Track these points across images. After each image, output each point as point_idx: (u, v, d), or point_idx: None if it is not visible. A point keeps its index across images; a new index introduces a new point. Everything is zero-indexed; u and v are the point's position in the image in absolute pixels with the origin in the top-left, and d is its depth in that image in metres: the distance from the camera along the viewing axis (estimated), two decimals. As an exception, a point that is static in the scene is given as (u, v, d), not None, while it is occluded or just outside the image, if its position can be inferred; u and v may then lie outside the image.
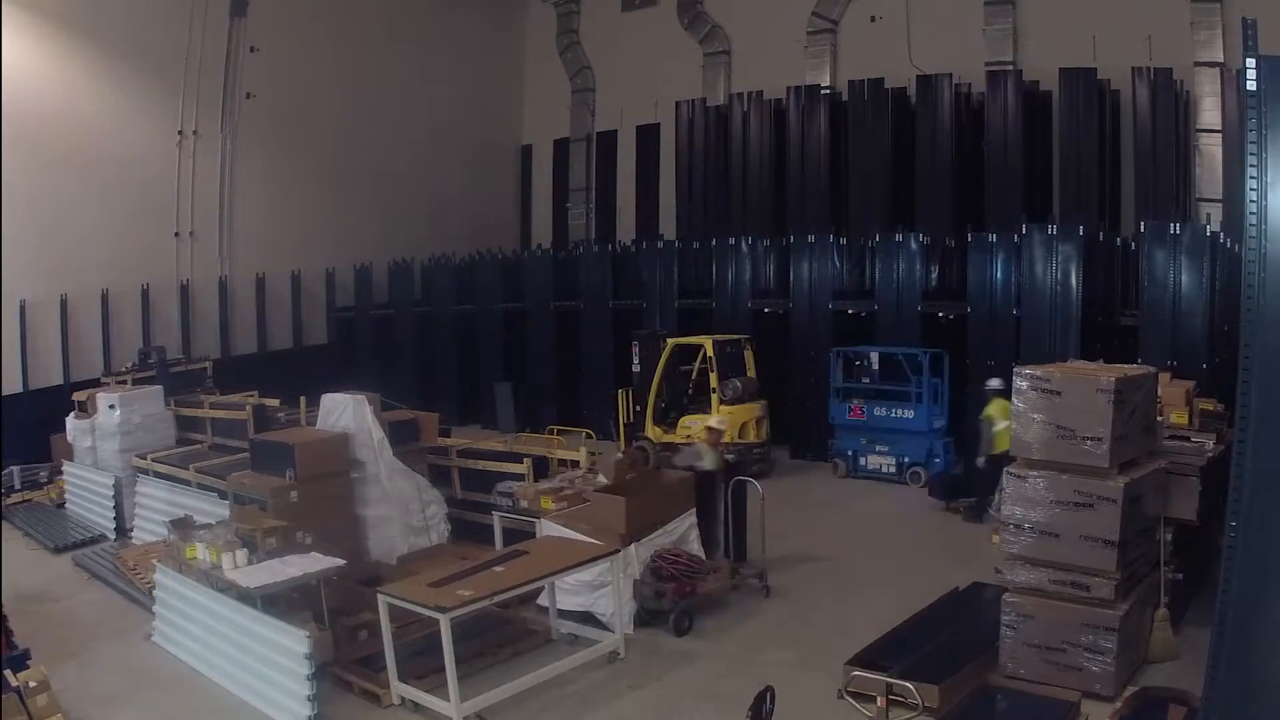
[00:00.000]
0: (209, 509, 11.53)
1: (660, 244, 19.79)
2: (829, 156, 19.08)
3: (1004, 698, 7.51)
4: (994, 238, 15.07)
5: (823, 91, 19.78)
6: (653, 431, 15.94)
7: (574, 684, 8.51)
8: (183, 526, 9.89)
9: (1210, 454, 9.23)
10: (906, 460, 15.14)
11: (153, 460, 13.84)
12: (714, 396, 15.70)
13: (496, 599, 8.16)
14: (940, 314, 15.96)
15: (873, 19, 20.26)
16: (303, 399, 13.92)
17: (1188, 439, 9.81)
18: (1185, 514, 8.68)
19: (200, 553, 9.11)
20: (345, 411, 11.17)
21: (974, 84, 18.28)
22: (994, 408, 12.43)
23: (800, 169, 19.29)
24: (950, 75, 17.98)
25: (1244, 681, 5.66)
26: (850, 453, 15.70)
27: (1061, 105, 17.38)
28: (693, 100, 21.66)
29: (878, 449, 15.46)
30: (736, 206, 20.24)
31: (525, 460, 11.89)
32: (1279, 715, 5.53)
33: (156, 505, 13.07)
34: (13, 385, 17.97)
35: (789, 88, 19.81)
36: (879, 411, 15.35)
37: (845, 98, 19.38)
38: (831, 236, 17.18)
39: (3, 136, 15.17)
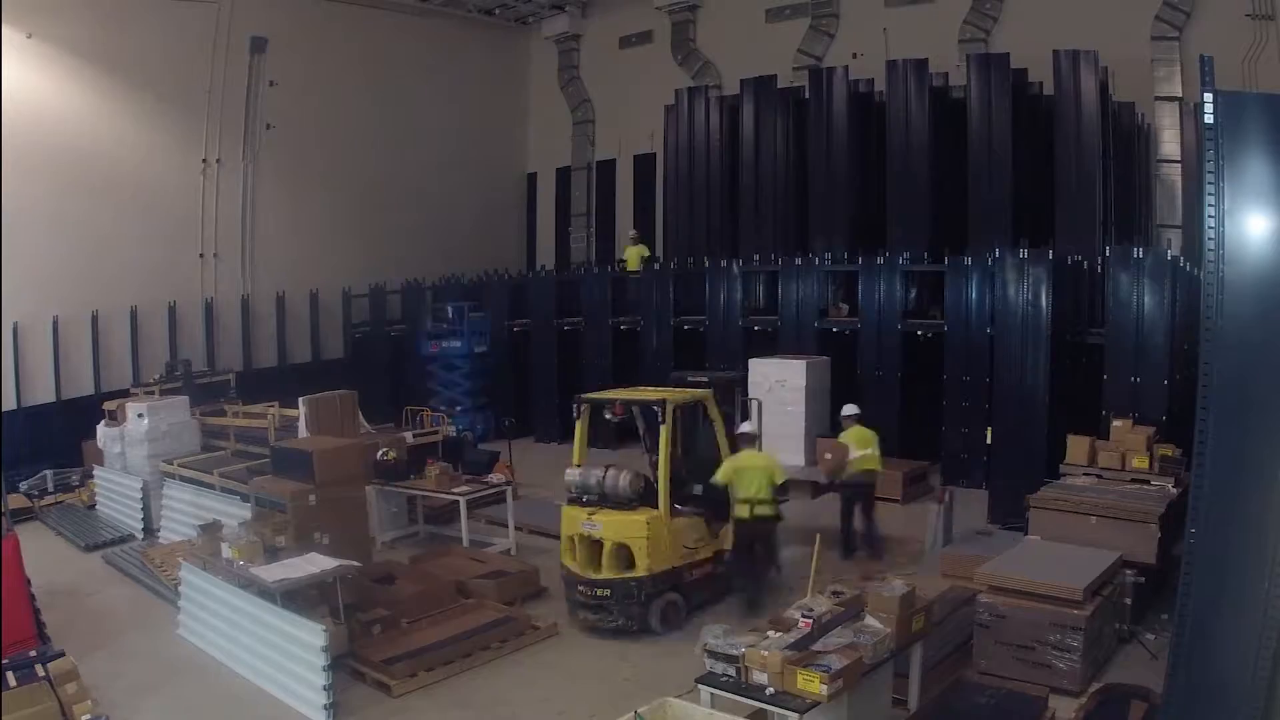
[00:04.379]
0: (232, 511, 11.54)
1: (656, 265, 19.84)
2: (800, 183, 19.18)
3: (976, 693, 7.51)
4: (969, 260, 15.14)
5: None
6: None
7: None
8: (211, 529, 9.91)
9: (1170, 499, 9.39)
10: None
11: (178, 465, 13.88)
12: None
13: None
14: (919, 332, 16.01)
15: (854, 55, 20.35)
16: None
17: (1148, 482, 10.02)
18: (1145, 558, 8.85)
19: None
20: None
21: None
22: (851, 435, 11.74)
23: (782, 194, 19.38)
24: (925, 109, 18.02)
25: (1202, 680, 5.67)
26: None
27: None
28: (679, 131, 21.61)
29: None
30: (732, 228, 20.26)
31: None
32: (1235, 712, 5.53)
33: (182, 507, 13.10)
34: (47, 394, 18.08)
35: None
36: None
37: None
38: (816, 259, 17.21)
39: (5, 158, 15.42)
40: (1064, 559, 8.55)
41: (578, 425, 10.31)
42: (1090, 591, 7.88)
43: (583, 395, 10.63)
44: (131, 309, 19.18)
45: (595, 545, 9.42)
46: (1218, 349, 5.50)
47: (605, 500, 9.63)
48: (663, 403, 9.73)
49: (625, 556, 9.31)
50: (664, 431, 9.58)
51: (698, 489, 10.23)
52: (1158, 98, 17.60)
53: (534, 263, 26.64)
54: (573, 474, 9.95)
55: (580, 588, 9.39)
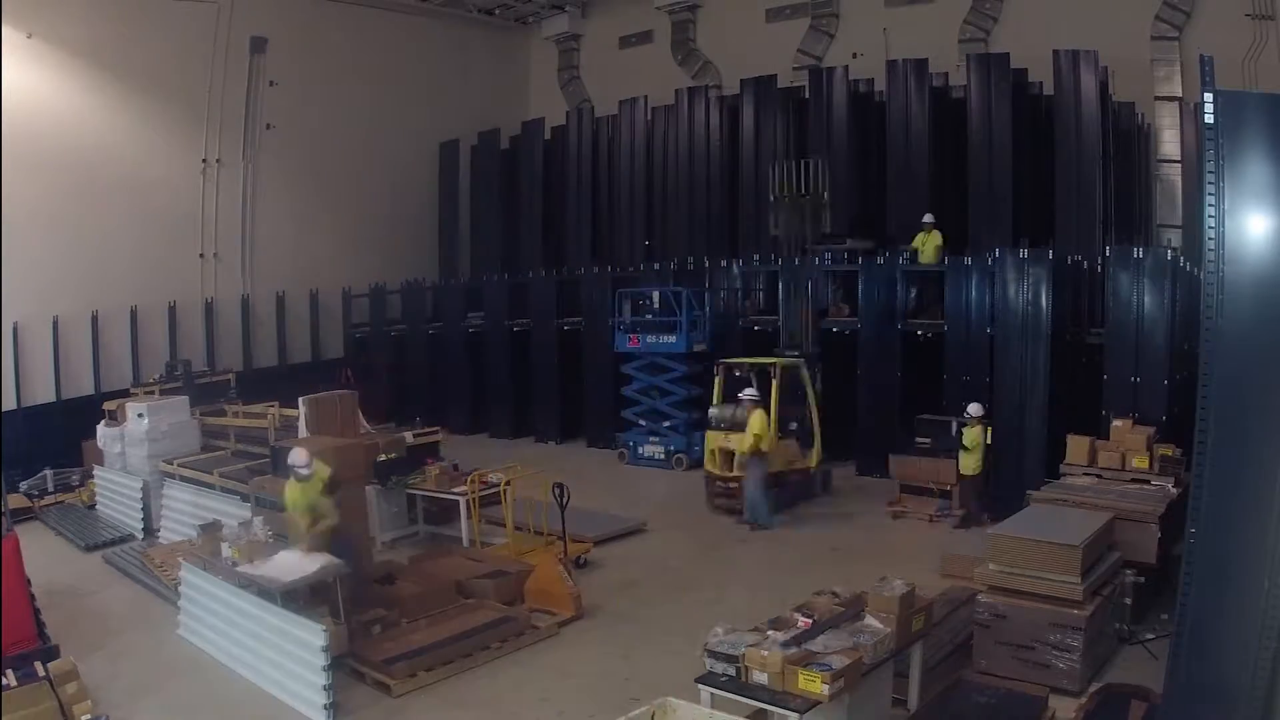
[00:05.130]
0: (232, 511, 11.53)
1: (652, 267, 19.90)
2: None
3: (976, 693, 7.49)
4: (969, 260, 15.15)
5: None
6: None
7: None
8: (211, 530, 9.90)
9: (1170, 499, 9.39)
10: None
11: (178, 465, 13.86)
12: None
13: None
14: (919, 332, 16.00)
15: (854, 55, 20.35)
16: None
17: (1148, 482, 10.02)
18: (1145, 558, 8.87)
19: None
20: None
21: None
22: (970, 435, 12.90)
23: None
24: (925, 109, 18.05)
25: (1202, 680, 5.68)
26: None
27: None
28: (679, 131, 21.64)
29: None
30: (732, 228, 20.31)
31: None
32: (1235, 712, 5.53)
33: (182, 507, 13.08)
34: (47, 394, 18.11)
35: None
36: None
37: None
38: (816, 259, 17.20)
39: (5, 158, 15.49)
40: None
41: (716, 381, 14.76)
42: (1090, 591, 7.87)
43: (723, 360, 15.11)
44: (131, 309, 19.19)
45: (728, 455, 13.84)
46: (1218, 349, 5.51)
47: (734, 427, 13.80)
48: (774, 365, 14.31)
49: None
50: (774, 385, 13.95)
51: (792, 425, 14.41)
52: (1158, 98, 17.61)
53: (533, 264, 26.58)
54: (713, 410, 14.46)
55: (718, 483, 14.02)
